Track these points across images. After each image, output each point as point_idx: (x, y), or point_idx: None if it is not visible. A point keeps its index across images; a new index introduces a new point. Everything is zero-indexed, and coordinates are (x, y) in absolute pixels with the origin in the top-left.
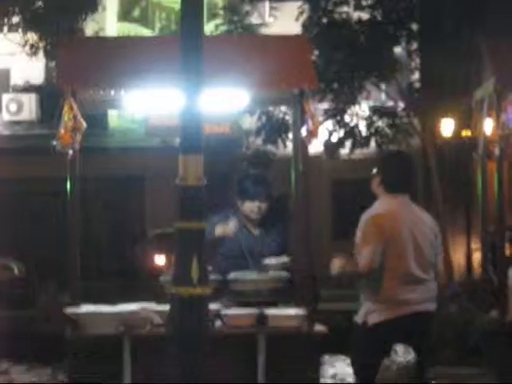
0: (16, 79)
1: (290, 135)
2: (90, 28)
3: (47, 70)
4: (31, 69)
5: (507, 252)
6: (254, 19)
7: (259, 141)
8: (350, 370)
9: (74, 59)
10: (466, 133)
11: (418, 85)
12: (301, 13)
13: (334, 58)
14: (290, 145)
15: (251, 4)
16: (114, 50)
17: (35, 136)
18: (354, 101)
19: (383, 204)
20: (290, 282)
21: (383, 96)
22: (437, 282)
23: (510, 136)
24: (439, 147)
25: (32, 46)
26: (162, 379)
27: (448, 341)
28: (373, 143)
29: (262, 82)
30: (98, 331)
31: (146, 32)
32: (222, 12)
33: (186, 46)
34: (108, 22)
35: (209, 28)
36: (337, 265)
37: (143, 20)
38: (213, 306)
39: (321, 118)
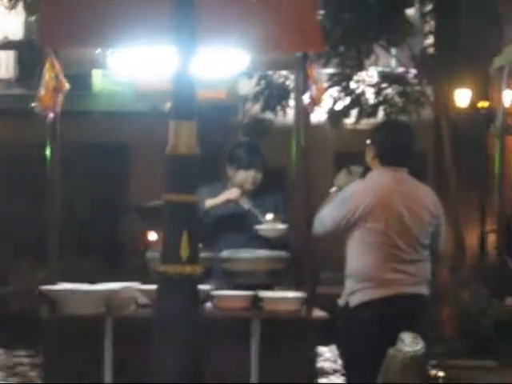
0: None
1: (291, 102)
2: None
3: (27, 24)
4: (9, 23)
5: None
6: None
7: (257, 108)
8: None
9: (56, 13)
10: (482, 104)
11: (431, 50)
12: None
13: (340, 19)
14: (290, 113)
15: None
16: (100, 3)
17: (12, 96)
18: (361, 66)
19: (371, 179)
20: (288, 262)
21: (393, 62)
22: (432, 264)
23: None
24: (453, 119)
25: None
26: (147, 364)
27: (460, 331)
28: (381, 113)
29: (264, 43)
30: (76, 311)
31: None
32: None
33: (179, 2)
34: None
35: None
36: (341, 180)
37: None
38: (203, 287)
39: (325, 84)
